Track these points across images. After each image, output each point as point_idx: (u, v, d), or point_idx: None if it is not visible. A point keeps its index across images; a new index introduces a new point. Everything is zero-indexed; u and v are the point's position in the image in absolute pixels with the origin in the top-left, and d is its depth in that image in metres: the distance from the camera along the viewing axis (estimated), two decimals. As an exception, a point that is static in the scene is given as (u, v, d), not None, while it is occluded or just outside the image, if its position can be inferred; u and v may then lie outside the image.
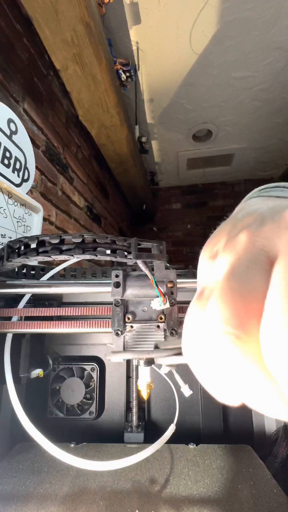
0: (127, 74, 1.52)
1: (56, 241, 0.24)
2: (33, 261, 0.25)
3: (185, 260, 2.98)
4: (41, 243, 0.24)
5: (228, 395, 0.13)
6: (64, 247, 0.24)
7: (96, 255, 0.23)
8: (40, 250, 0.24)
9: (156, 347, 0.28)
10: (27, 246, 0.25)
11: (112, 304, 0.31)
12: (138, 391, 0.59)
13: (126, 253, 0.24)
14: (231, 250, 0.14)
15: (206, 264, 0.16)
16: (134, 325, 0.31)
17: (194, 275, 0.55)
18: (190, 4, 1.36)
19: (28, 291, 0.37)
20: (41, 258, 0.24)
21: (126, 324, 0.30)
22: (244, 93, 1.89)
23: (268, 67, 1.69)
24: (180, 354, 0.26)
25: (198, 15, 1.41)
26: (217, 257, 0.15)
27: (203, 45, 1.56)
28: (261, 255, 0.12)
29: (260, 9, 1.38)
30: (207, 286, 0.15)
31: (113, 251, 0.24)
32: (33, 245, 0.25)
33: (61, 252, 0.24)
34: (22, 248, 0.25)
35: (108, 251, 0.24)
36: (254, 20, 1.43)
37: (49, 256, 0.24)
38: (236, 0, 1.34)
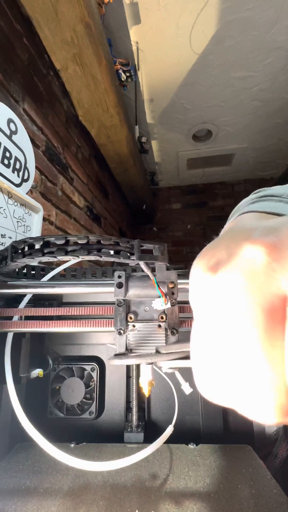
0: (127, 74, 1.52)
1: (61, 242, 0.24)
2: (38, 261, 0.26)
3: (185, 260, 2.98)
4: (46, 244, 0.25)
5: (228, 403, 0.14)
6: (70, 248, 0.24)
7: (101, 256, 0.24)
8: (46, 251, 0.24)
9: (157, 351, 0.29)
10: (31, 246, 0.26)
11: (113, 304, 0.32)
12: (138, 391, 0.59)
13: (129, 254, 0.24)
14: (237, 269, 0.13)
15: (202, 276, 0.15)
16: (136, 324, 0.31)
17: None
18: (190, 4, 1.36)
19: (30, 291, 0.37)
20: (46, 258, 0.25)
21: (128, 323, 0.31)
22: (244, 93, 1.89)
23: (268, 67, 1.69)
24: (184, 358, 0.26)
25: (198, 15, 1.41)
26: (218, 272, 0.14)
27: (203, 45, 1.56)
28: (273, 285, 0.12)
29: (260, 9, 1.38)
30: (210, 307, 0.14)
31: (117, 252, 0.25)
32: (38, 246, 0.25)
33: (67, 253, 0.24)
34: (27, 248, 0.25)
35: (112, 252, 0.24)
36: (254, 20, 1.43)
37: (55, 257, 0.24)
38: (236, 0, 1.35)
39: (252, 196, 0.26)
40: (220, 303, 0.13)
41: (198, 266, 0.15)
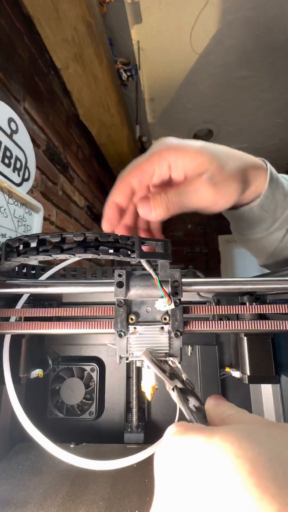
0: (128, 73, 1.52)
1: (57, 239, 0.23)
2: (33, 260, 0.25)
3: (185, 260, 2.97)
4: (41, 242, 0.23)
5: None
6: (66, 246, 0.23)
7: (99, 254, 0.22)
8: (41, 249, 0.23)
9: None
10: (26, 244, 0.24)
11: (113, 304, 0.30)
12: (138, 392, 0.59)
13: (129, 252, 0.23)
14: None
15: None
16: (137, 326, 0.30)
17: (194, 275, 0.55)
18: (191, 3, 1.36)
19: (27, 291, 0.37)
20: (41, 257, 0.23)
21: (130, 325, 0.29)
22: (245, 93, 1.89)
23: (269, 67, 1.69)
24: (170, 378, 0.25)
25: (199, 14, 1.41)
26: None
27: (204, 45, 1.56)
28: None
29: (261, 8, 1.38)
30: None
31: (116, 250, 0.23)
32: (33, 244, 0.24)
33: (62, 251, 0.23)
34: (22, 247, 0.24)
35: (111, 250, 0.23)
36: (255, 19, 1.43)
37: (50, 255, 0.23)
38: (237, -1, 1.34)
39: None
40: None
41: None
